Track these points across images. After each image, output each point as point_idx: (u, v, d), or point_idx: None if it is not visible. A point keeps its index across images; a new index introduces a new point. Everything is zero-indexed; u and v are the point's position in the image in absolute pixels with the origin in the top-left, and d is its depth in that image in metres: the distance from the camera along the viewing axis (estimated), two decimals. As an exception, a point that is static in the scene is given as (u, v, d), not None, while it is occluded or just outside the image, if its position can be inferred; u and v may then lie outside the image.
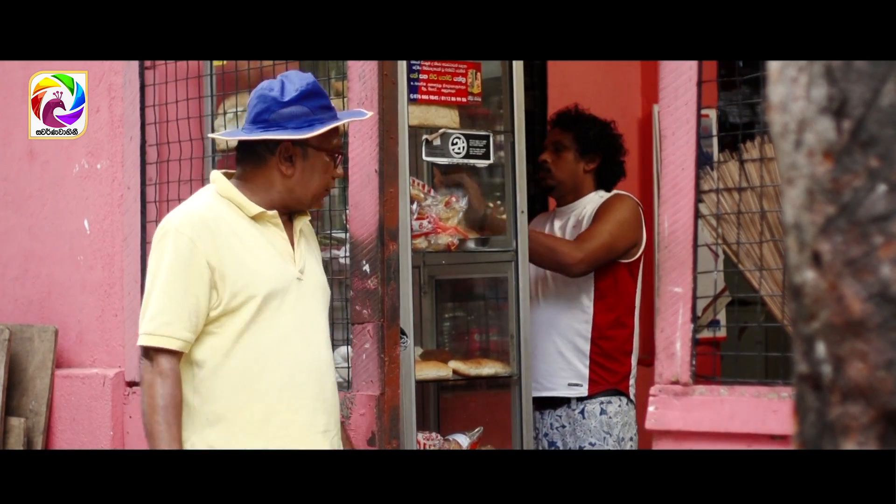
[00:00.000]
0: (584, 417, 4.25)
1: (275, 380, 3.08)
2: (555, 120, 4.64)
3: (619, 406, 4.27)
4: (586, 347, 4.28)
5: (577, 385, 4.27)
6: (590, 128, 4.50)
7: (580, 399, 4.26)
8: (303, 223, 3.25)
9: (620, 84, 5.71)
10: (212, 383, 3.08)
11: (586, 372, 4.27)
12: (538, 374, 4.25)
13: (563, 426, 4.28)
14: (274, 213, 3.16)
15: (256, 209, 3.14)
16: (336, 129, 3.21)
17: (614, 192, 4.47)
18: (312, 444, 3.11)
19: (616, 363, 4.29)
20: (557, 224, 4.46)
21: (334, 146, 3.21)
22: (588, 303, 4.30)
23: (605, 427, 4.23)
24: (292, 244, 3.20)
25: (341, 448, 3.22)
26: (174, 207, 4.34)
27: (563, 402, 4.29)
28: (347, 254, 3.76)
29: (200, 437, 3.07)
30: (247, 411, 3.07)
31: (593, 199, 4.43)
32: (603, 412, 4.25)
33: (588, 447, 4.22)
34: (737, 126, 4.17)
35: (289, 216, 3.24)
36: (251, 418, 3.07)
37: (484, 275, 4.36)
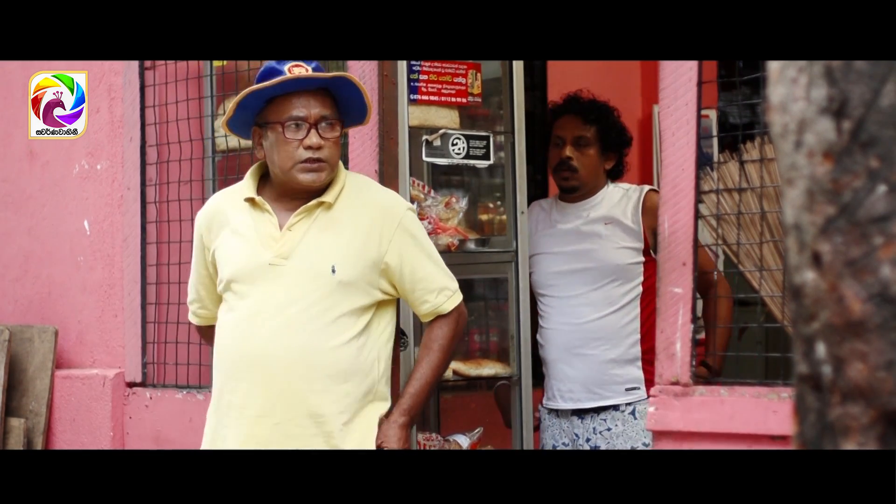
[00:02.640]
0: (635, 418, 4.03)
1: (221, 363, 3.23)
2: (567, 107, 4.26)
3: None
4: (637, 349, 4.06)
5: (635, 388, 4.05)
6: (613, 123, 4.19)
7: (630, 401, 4.07)
8: (319, 206, 3.16)
9: (620, 84, 5.71)
10: None
11: (641, 374, 4.05)
12: (590, 383, 4.08)
13: (609, 429, 4.07)
14: (259, 198, 3.19)
15: (247, 194, 3.22)
16: (289, 100, 3.12)
17: (646, 187, 4.16)
18: (242, 426, 3.14)
19: None
20: (579, 223, 4.15)
21: (288, 117, 3.11)
22: (634, 302, 4.09)
23: None
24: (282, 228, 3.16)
25: (291, 438, 3.10)
26: (174, 208, 4.39)
27: (610, 405, 4.09)
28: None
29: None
30: (215, 388, 3.27)
31: (614, 193, 4.15)
32: None
33: (642, 447, 4.00)
34: (737, 127, 4.15)
35: (308, 199, 3.16)
36: (215, 394, 3.27)
37: (484, 275, 4.36)
